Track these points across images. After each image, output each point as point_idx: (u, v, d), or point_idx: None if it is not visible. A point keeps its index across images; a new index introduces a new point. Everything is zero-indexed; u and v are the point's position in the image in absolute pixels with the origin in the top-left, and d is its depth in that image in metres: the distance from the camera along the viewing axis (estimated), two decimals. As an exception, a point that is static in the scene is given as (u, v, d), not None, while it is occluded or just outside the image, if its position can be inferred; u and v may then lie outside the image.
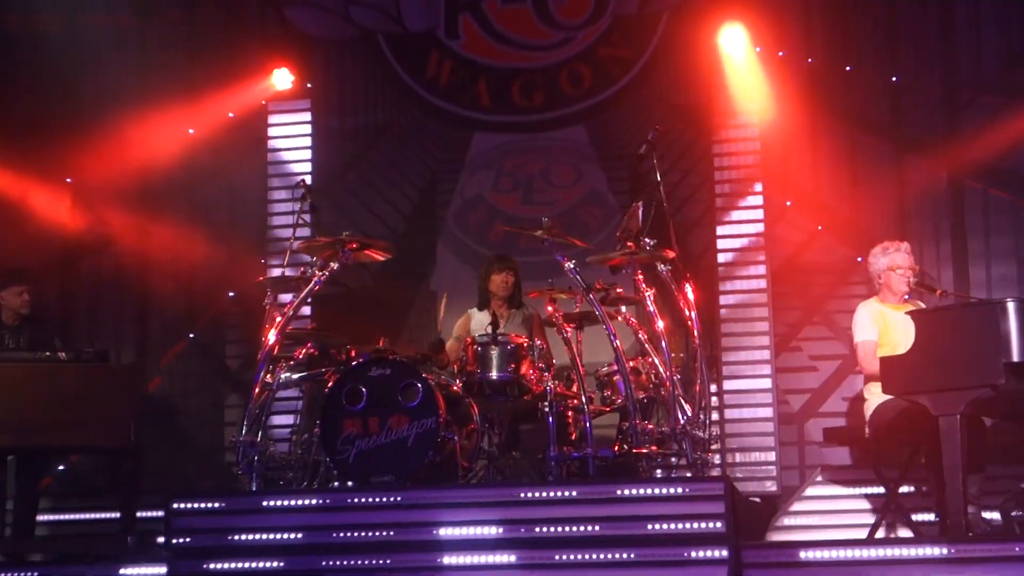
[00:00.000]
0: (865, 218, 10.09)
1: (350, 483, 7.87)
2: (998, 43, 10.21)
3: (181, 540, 7.37)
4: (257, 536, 7.31)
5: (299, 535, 7.29)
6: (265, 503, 7.41)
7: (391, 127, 11.16)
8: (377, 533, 7.19)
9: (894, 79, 10.31)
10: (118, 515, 8.62)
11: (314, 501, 7.41)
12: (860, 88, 10.33)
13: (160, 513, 7.56)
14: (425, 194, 11.11)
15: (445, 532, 7.14)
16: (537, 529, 7.06)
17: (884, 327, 8.31)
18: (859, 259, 9.58)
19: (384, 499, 7.28)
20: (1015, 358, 7.06)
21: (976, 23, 10.26)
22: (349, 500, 7.38)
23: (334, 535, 7.23)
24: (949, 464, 7.17)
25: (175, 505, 7.44)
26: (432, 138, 11.13)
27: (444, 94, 11.08)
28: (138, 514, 8.55)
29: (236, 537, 7.33)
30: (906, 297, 8.41)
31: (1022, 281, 9.81)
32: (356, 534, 7.20)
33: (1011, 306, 7.11)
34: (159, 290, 10.82)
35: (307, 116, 11.05)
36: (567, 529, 7.03)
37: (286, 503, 7.38)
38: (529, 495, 7.20)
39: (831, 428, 8.88)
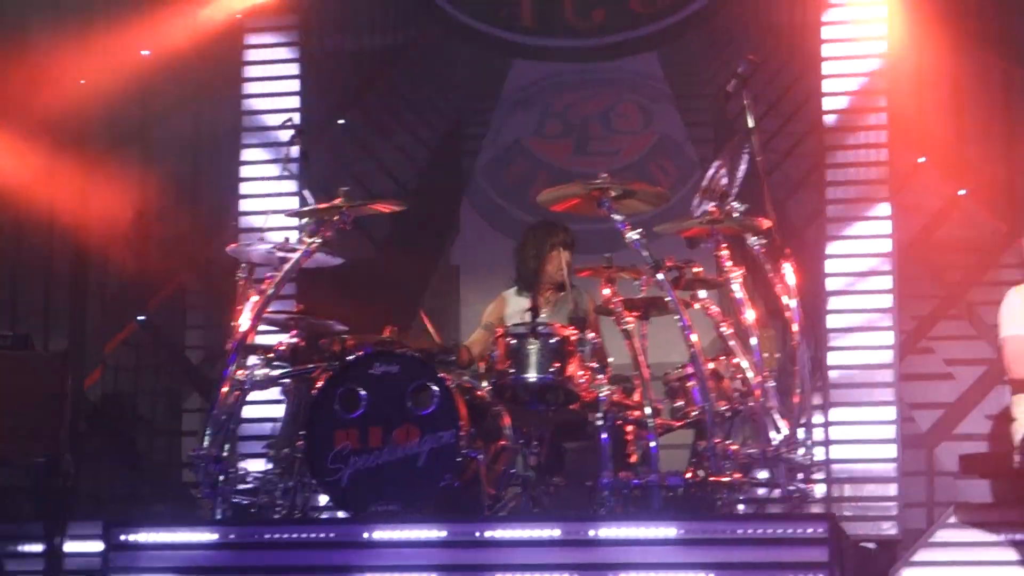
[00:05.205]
0: (1021, 180, 10.07)
1: (342, 512, 7.95)
2: None
3: (124, 582, 7.49)
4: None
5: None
6: (241, 537, 7.51)
7: (404, 52, 11.23)
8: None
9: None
10: (41, 548, 8.71)
11: (314, 536, 7.50)
12: (1018, 7, 10.31)
13: (98, 547, 7.63)
14: (448, 140, 11.19)
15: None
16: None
17: (1041, 321, 8.34)
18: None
19: (419, 535, 7.38)
20: None
21: None
22: (365, 536, 7.45)
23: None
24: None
25: (118, 537, 7.50)
26: (458, 67, 11.20)
27: (475, 9, 11.13)
28: (68, 548, 8.65)
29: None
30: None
31: None
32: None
33: None
34: (98, 258, 10.93)
35: (295, 36, 11.13)
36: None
37: (271, 537, 7.49)
38: (598, 534, 7.28)
39: (970, 455, 8.90)
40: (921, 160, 10.33)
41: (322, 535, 7.50)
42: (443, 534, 7.37)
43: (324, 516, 8.15)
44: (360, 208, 8.34)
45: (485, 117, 11.13)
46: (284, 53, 11.13)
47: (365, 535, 7.42)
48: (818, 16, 10.53)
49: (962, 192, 10.27)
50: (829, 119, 10.46)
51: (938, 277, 10.22)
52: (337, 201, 8.21)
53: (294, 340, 8.61)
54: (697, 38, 10.95)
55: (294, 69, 11.09)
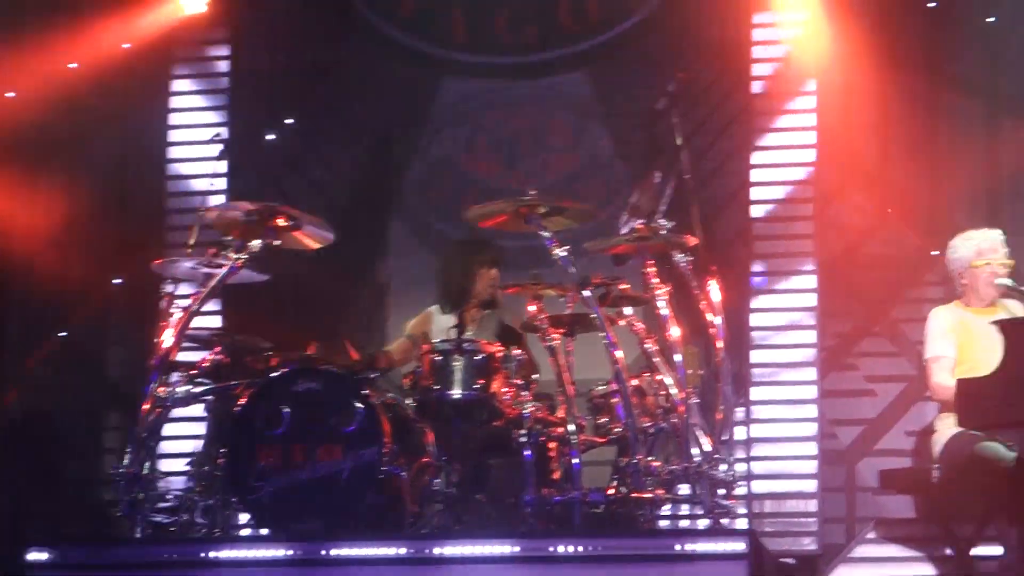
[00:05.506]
0: (944, 200, 10.13)
1: (264, 530, 7.92)
2: None
3: (39, 604, 7.44)
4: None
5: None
6: (157, 556, 7.47)
7: (334, 68, 11.19)
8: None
9: (989, 20, 10.33)
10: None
11: (222, 555, 7.44)
12: (943, 30, 10.37)
13: (15, 567, 7.57)
14: (377, 156, 11.14)
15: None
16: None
17: (965, 340, 8.36)
18: (935, 252, 9.61)
19: (320, 553, 7.35)
20: None
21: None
22: (270, 554, 7.42)
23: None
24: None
25: (31, 556, 7.47)
26: (388, 83, 11.16)
27: (406, 24, 11.12)
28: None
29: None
30: (996, 302, 8.47)
31: None
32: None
33: None
34: (21, 273, 10.85)
35: (225, 51, 11.11)
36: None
37: (186, 556, 7.45)
38: (498, 551, 7.29)
39: (890, 470, 8.93)
40: (845, 180, 10.38)
41: (238, 554, 7.45)
42: (289, 552, 7.36)
43: (247, 534, 8.10)
44: (289, 234, 8.29)
45: (415, 133, 11.09)
46: (213, 68, 11.10)
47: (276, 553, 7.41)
48: (748, 34, 10.58)
49: (888, 211, 10.30)
50: (758, 137, 10.50)
51: (862, 295, 10.24)
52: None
53: (218, 357, 8.57)
54: (628, 56, 10.93)
55: (223, 84, 11.08)
